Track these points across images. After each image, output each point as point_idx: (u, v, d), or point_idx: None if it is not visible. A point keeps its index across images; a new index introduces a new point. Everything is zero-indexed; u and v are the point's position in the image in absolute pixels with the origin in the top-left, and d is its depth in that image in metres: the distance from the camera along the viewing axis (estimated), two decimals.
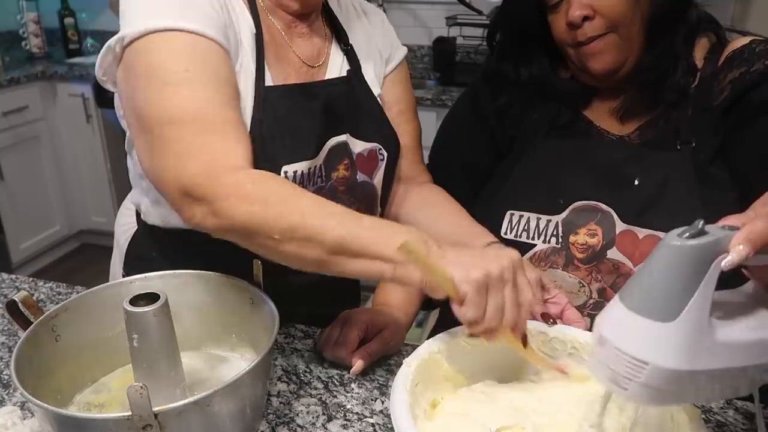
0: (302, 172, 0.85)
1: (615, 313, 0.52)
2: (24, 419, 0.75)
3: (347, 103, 0.92)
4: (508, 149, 1.01)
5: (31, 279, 1.12)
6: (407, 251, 0.62)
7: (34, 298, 0.86)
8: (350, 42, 0.96)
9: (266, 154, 0.81)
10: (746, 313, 0.53)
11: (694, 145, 0.86)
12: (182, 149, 0.71)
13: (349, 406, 0.78)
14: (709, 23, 0.90)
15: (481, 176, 1.02)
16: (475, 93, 1.05)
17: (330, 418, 0.76)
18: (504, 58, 0.97)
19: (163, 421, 0.58)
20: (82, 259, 3.35)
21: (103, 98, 2.98)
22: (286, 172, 0.83)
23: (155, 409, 0.57)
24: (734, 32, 0.91)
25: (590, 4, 0.83)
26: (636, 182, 0.87)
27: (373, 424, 0.75)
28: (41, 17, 3.36)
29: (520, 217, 0.92)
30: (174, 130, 0.72)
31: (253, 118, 0.81)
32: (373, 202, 0.97)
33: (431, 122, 2.54)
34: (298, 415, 0.77)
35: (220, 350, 0.84)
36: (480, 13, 2.72)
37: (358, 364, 0.82)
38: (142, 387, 0.55)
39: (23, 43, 3.37)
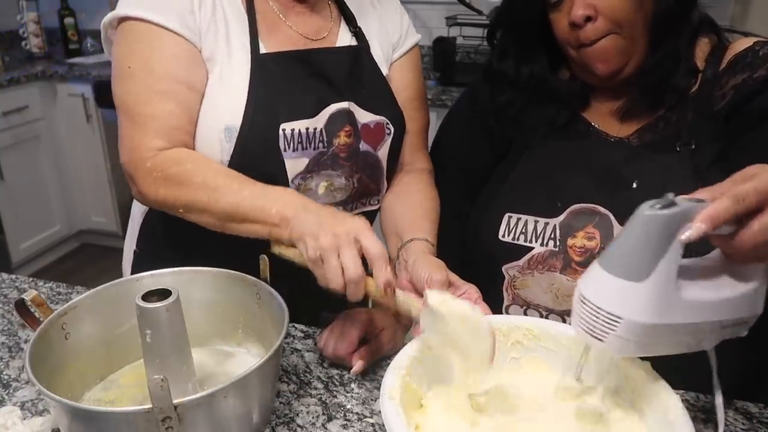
0: (300, 131, 0.91)
1: (594, 274, 0.58)
2: (24, 419, 0.75)
3: (348, 72, 0.96)
4: (506, 150, 1.00)
5: (31, 279, 1.12)
6: (278, 253, 0.77)
7: None
8: (359, 25, 1.00)
9: (265, 114, 0.88)
10: (709, 276, 0.60)
11: (693, 147, 0.85)
12: (120, 135, 0.88)
13: (349, 406, 0.78)
14: (708, 24, 0.90)
15: (480, 177, 1.02)
16: (475, 93, 1.05)
17: (330, 418, 0.76)
18: (504, 56, 0.97)
19: (182, 413, 0.59)
20: (82, 259, 3.36)
21: (103, 98, 2.98)
22: (284, 130, 0.90)
23: (175, 401, 0.58)
24: (736, 33, 0.91)
25: (593, 4, 0.82)
26: (635, 185, 0.86)
27: (373, 424, 0.75)
28: (41, 17, 3.37)
29: (518, 219, 0.92)
30: (118, 118, 0.88)
31: (250, 82, 0.89)
32: (376, 172, 1.00)
33: (431, 122, 2.54)
34: (298, 415, 0.77)
35: (227, 346, 0.85)
36: (480, 13, 2.72)
37: (358, 364, 0.82)
38: (162, 379, 0.56)
39: (23, 43, 3.37)
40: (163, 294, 0.67)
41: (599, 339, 0.58)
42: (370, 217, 1.03)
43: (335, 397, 0.80)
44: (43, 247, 3.20)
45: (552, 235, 0.89)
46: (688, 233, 0.54)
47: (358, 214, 1.00)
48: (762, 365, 0.89)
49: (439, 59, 2.97)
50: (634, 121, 0.91)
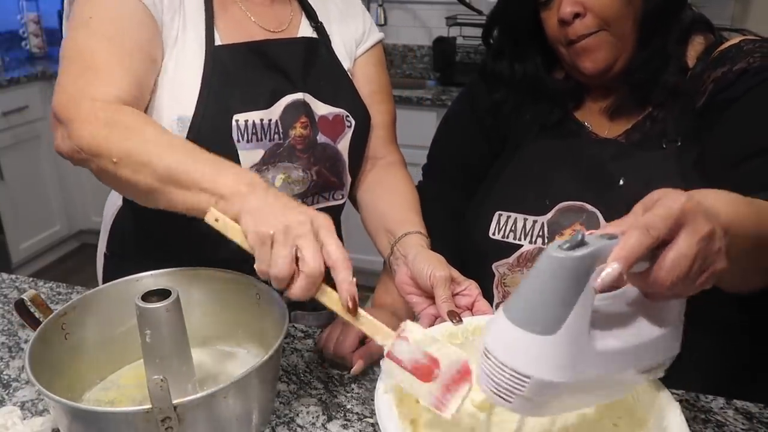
0: (254, 122, 0.90)
1: (499, 326, 0.51)
2: (24, 419, 0.75)
3: (305, 64, 0.96)
4: (502, 149, 1.01)
5: (31, 279, 1.12)
6: (214, 219, 0.66)
7: None
8: (320, 20, 1.01)
9: (219, 105, 0.88)
10: (623, 320, 0.53)
11: (679, 144, 0.85)
12: (62, 81, 0.81)
13: (349, 406, 0.78)
14: (703, 23, 0.90)
15: (478, 175, 1.02)
16: (472, 92, 1.05)
17: (330, 418, 0.76)
18: (499, 56, 0.98)
19: (182, 413, 0.59)
20: (82, 259, 3.35)
21: None
22: (237, 121, 0.89)
23: (174, 401, 0.58)
24: (733, 32, 0.91)
25: (581, 2, 0.83)
26: (621, 182, 0.86)
27: (373, 424, 0.75)
28: (41, 17, 3.37)
29: (508, 217, 0.92)
30: (65, 65, 0.83)
31: (204, 73, 0.88)
32: (337, 165, 1.00)
33: (431, 122, 2.54)
34: (298, 415, 0.77)
35: (226, 346, 0.85)
36: (480, 13, 2.72)
37: (358, 364, 0.82)
38: (162, 380, 0.56)
39: (23, 43, 3.37)
40: (163, 294, 0.67)
41: (506, 400, 0.51)
42: (335, 212, 1.03)
43: (335, 397, 0.80)
44: (43, 247, 3.20)
45: (540, 233, 0.90)
46: (602, 277, 0.47)
47: (320, 208, 0.99)
48: (761, 365, 0.89)
49: (439, 59, 2.97)
50: (624, 120, 0.92)
